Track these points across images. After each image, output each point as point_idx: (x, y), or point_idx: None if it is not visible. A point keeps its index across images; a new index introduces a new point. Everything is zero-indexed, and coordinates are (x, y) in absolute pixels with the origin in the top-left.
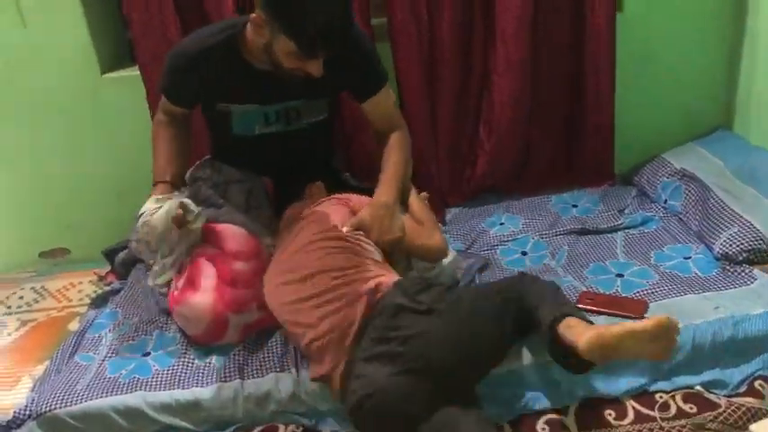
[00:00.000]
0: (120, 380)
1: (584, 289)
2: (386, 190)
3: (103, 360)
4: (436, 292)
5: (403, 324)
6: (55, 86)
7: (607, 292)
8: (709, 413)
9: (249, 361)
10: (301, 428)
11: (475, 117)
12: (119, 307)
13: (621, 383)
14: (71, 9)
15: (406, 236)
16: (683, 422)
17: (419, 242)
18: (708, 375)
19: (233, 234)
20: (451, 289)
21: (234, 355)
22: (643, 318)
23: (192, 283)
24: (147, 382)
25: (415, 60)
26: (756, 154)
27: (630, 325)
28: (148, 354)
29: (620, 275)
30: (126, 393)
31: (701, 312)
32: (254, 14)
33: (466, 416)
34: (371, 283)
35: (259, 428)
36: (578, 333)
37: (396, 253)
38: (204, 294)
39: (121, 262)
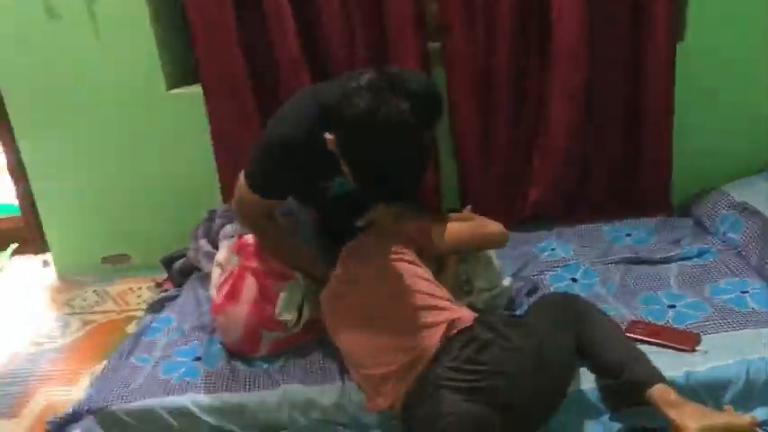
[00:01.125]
0: (172, 381)
1: (634, 318)
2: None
3: (157, 362)
4: (523, 330)
5: (488, 359)
6: (123, 99)
7: (658, 323)
8: None
9: (295, 369)
10: None
11: (528, 145)
12: (173, 313)
13: None
14: (143, 27)
15: (462, 231)
16: None
17: (478, 231)
18: (760, 413)
19: None
20: (524, 321)
21: (280, 362)
22: (695, 350)
23: (233, 294)
24: (196, 384)
25: (470, 86)
26: None
27: (732, 419)
28: (199, 358)
29: (672, 306)
30: (177, 395)
31: (756, 348)
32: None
33: None
34: (448, 315)
35: None
36: (682, 412)
37: (448, 267)
38: (242, 307)
39: (178, 270)
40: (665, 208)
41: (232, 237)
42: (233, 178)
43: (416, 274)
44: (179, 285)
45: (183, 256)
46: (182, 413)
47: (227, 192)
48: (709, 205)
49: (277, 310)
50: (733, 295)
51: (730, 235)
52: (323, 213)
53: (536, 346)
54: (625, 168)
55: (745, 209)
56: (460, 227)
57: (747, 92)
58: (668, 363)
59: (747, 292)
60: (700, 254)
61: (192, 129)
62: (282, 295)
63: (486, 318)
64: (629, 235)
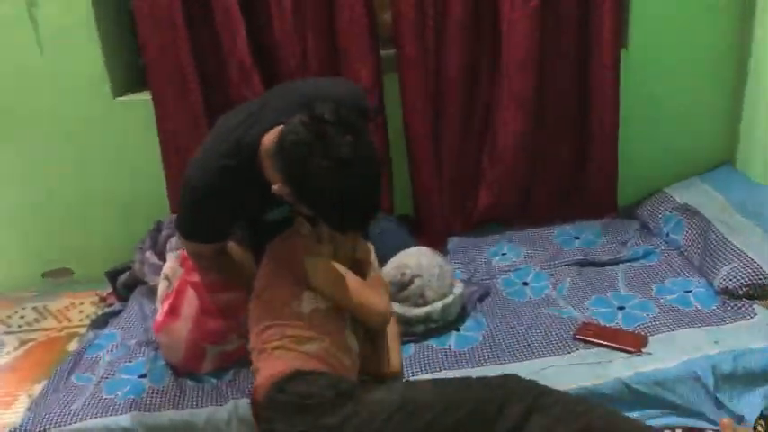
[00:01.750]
0: (116, 400)
1: (585, 320)
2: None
3: (100, 381)
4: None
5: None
6: (67, 109)
7: (608, 325)
8: None
9: (244, 382)
10: None
11: (479, 149)
12: (118, 328)
13: None
14: (86, 35)
15: (345, 283)
16: None
17: (362, 296)
18: (708, 409)
19: None
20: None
21: (228, 376)
22: (641, 352)
23: (173, 311)
24: (142, 402)
25: (422, 92)
26: (758, 190)
27: None
28: (144, 375)
29: (622, 308)
30: (120, 414)
31: (700, 346)
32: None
33: None
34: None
35: None
36: None
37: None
38: (183, 322)
39: (123, 283)
40: (611, 210)
41: (179, 249)
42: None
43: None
44: (124, 300)
45: (128, 269)
46: None
47: (174, 202)
48: (653, 207)
49: None
50: (677, 295)
51: (673, 236)
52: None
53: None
54: (573, 173)
55: (686, 210)
56: (347, 276)
57: (687, 98)
58: (619, 364)
59: (691, 291)
60: (645, 254)
61: (139, 137)
62: None
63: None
64: (577, 238)
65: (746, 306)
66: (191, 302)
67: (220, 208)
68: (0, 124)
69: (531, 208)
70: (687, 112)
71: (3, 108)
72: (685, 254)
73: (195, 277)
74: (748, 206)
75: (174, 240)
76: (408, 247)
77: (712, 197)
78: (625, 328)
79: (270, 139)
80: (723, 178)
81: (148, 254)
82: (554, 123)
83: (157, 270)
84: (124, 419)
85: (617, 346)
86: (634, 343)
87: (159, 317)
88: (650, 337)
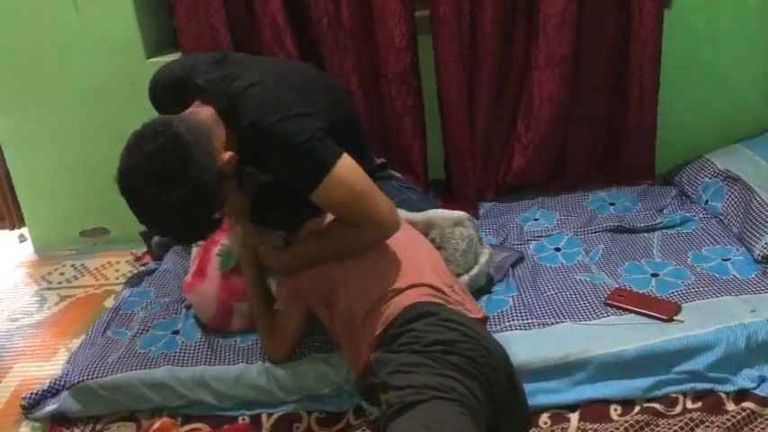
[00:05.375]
0: (149, 354)
1: (617, 286)
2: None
3: (135, 335)
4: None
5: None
6: (102, 70)
7: (640, 291)
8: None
9: None
10: (324, 414)
11: (513, 113)
12: (152, 286)
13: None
14: None
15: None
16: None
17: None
18: (741, 379)
19: None
20: None
21: (257, 336)
22: (672, 320)
23: (201, 271)
24: (174, 356)
25: (456, 53)
26: None
27: None
28: (177, 332)
29: (656, 275)
30: (154, 367)
31: (736, 315)
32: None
33: None
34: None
35: (281, 412)
36: None
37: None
38: (211, 282)
39: (157, 243)
40: (649, 177)
41: None
42: None
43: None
44: (158, 259)
45: None
46: (160, 386)
47: None
48: (692, 173)
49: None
50: (714, 263)
51: (713, 203)
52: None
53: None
54: (610, 137)
55: (727, 176)
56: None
57: (730, 61)
58: (648, 330)
59: (729, 259)
60: (682, 222)
61: None
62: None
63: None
64: (612, 204)
65: None
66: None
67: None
68: (34, 84)
69: (564, 173)
70: (730, 76)
71: (37, 68)
72: (725, 221)
73: (219, 237)
74: None
75: None
76: None
77: (755, 163)
78: (658, 296)
79: None
80: (766, 144)
81: None
82: (591, 85)
83: None
84: (158, 373)
85: (648, 312)
86: (666, 310)
87: (188, 277)
88: (684, 305)
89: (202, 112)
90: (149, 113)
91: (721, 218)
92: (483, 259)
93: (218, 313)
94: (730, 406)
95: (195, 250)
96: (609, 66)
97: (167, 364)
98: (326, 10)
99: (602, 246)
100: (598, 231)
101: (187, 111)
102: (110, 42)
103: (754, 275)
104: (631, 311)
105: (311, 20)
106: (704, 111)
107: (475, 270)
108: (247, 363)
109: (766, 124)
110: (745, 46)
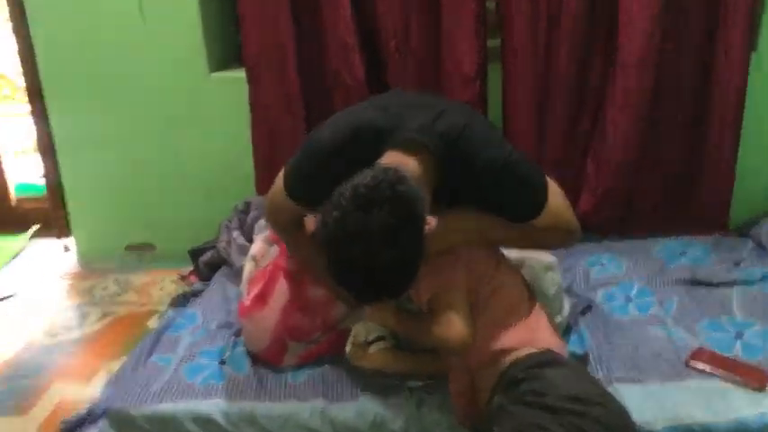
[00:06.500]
0: (195, 385)
1: (698, 345)
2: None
3: (180, 362)
4: None
5: None
6: (163, 81)
7: (725, 354)
8: None
9: (321, 382)
10: None
11: (584, 151)
12: (199, 309)
13: None
14: (189, 8)
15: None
16: None
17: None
18: None
19: None
20: None
21: (308, 373)
22: (765, 389)
23: (262, 298)
24: (222, 389)
25: (527, 86)
26: None
27: None
28: (224, 362)
29: (740, 335)
30: (201, 399)
31: None
32: None
33: None
34: None
35: None
36: None
37: None
38: (271, 312)
39: (205, 263)
40: (721, 227)
41: (267, 230)
42: (269, 168)
43: None
44: (205, 279)
45: (212, 248)
46: (206, 421)
47: (261, 183)
48: None
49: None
50: None
51: None
52: None
53: None
54: (683, 182)
55: None
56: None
57: None
58: (739, 400)
59: None
60: (763, 278)
61: (232, 116)
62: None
63: None
64: (683, 253)
65: None
66: (281, 292)
67: (332, 167)
68: (95, 88)
69: (632, 217)
70: None
71: (100, 72)
72: None
73: (288, 264)
74: None
75: (261, 222)
76: None
77: None
78: (744, 359)
79: None
80: None
81: (236, 234)
82: (667, 127)
83: (244, 251)
84: (205, 406)
85: (738, 378)
86: (757, 377)
87: (246, 301)
88: None
89: (410, 164)
90: (207, 128)
91: None
92: (566, 312)
93: (272, 347)
94: None
95: (247, 272)
96: (687, 108)
97: (214, 397)
98: (395, 30)
99: (677, 298)
100: (671, 282)
101: (396, 162)
102: (174, 55)
103: None
104: (719, 375)
105: (379, 42)
106: None
107: (559, 318)
108: (299, 401)
109: None
110: None
